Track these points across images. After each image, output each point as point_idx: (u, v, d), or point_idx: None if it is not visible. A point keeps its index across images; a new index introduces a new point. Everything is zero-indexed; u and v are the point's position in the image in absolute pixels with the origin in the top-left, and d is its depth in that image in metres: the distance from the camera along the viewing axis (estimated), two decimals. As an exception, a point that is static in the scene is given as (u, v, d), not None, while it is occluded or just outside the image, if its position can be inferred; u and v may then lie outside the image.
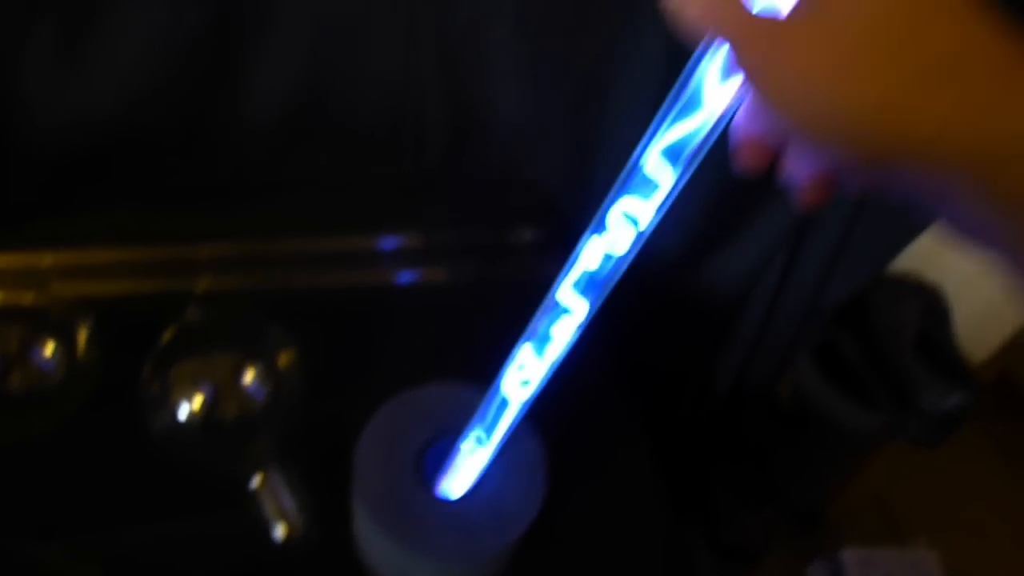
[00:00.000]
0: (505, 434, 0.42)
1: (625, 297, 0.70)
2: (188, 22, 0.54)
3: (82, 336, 0.54)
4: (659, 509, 0.60)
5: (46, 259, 0.63)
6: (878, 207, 0.63)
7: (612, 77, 0.62)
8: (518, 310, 0.67)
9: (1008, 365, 1.02)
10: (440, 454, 0.46)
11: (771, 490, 0.99)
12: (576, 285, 0.37)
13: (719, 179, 0.61)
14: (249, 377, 0.52)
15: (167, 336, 0.53)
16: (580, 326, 0.39)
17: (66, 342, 0.53)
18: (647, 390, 0.69)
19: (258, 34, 0.56)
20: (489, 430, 0.42)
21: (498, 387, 0.41)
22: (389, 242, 0.68)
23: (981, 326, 0.89)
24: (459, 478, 0.45)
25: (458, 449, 0.44)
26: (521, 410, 0.41)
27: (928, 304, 0.84)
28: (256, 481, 0.51)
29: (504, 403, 0.41)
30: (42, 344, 0.52)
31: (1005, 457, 1.25)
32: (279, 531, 0.50)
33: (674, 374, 0.76)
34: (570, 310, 0.37)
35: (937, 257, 0.87)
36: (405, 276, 0.68)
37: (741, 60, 0.26)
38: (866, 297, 0.84)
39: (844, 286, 0.69)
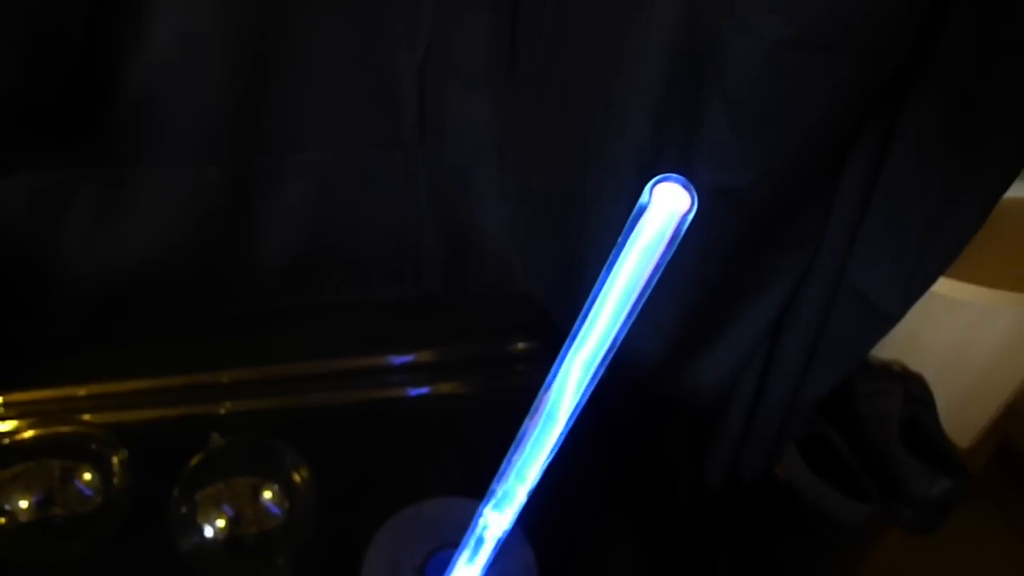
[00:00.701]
0: (490, 556, 0.47)
1: (609, 401, 0.75)
2: (208, 178, 0.61)
3: (117, 464, 0.59)
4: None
5: (81, 391, 0.69)
6: (847, 308, 0.68)
7: (589, 203, 0.69)
8: (517, 415, 0.72)
9: (1008, 436, 1.04)
10: (441, 565, 0.51)
11: (778, 578, 1.00)
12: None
13: (693, 286, 0.67)
14: (267, 497, 0.57)
15: (193, 462, 0.58)
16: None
17: (103, 470, 0.58)
18: (639, 491, 0.73)
19: (270, 186, 0.63)
20: (474, 553, 0.47)
21: (475, 524, 0.46)
22: (395, 359, 0.74)
23: (964, 412, 0.93)
24: (457, 587, 0.49)
25: (453, 564, 0.48)
26: (497, 543, 0.47)
27: (911, 392, 0.88)
28: (275, 595, 0.56)
29: (480, 540, 0.46)
30: (81, 473, 0.58)
31: (1017, 533, 1.25)
32: (296, 642, 0.55)
33: (666, 472, 0.80)
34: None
35: (917, 347, 0.92)
36: (411, 391, 0.73)
37: None
38: (850, 387, 0.88)
39: (823, 381, 0.73)
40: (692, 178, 0.35)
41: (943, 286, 0.72)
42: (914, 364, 0.92)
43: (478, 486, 0.50)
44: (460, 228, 0.71)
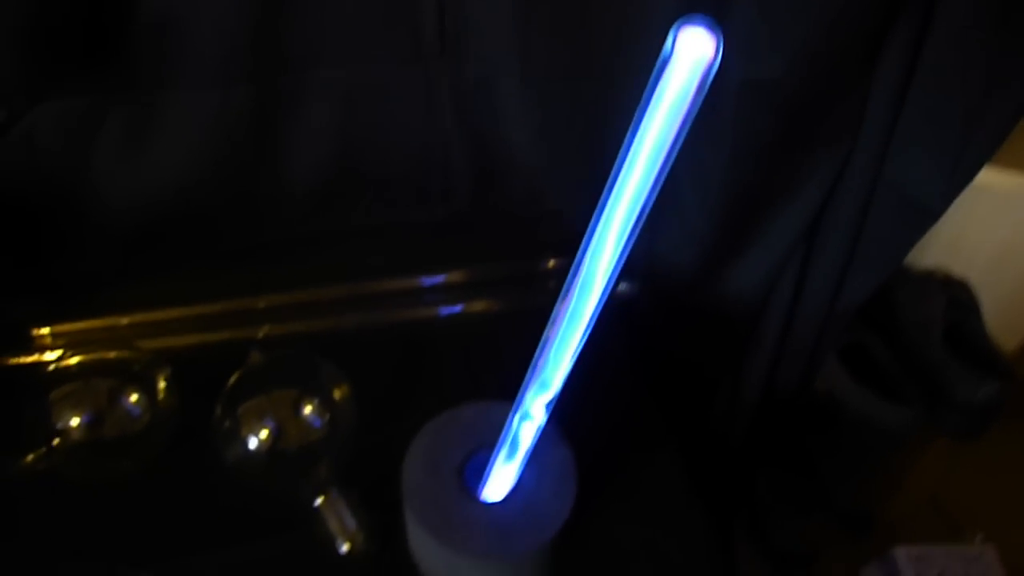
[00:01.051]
0: (530, 447, 0.47)
1: (646, 310, 0.74)
2: (233, 100, 0.61)
3: (161, 384, 0.61)
4: (694, 514, 0.64)
5: (123, 320, 0.71)
6: (885, 207, 0.66)
7: (614, 114, 0.67)
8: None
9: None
10: (479, 465, 0.51)
11: (819, 495, 1.00)
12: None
13: (725, 188, 0.66)
14: (308, 410, 0.58)
15: (233, 379, 0.59)
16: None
17: (148, 391, 0.60)
18: (677, 401, 0.73)
19: (294, 107, 0.63)
20: (512, 451, 0.47)
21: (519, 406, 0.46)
22: (426, 280, 0.75)
23: (1011, 314, 0.90)
24: (496, 485, 0.50)
25: (493, 461, 0.49)
26: (535, 438, 0.47)
27: (955, 298, 0.86)
28: (319, 503, 0.57)
29: (516, 438, 0.46)
30: (128, 392, 0.59)
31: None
32: (343, 546, 0.56)
33: (703, 384, 0.80)
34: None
35: (961, 250, 0.89)
36: (443, 310, 0.73)
37: None
38: (891, 295, 0.87)
39: (861, 287, 0.72)
40: (721, 73, 0.33)
41: (987, 176, 0.70)
42: (958, 269, 0.89)
43: (512, 397, 0.51)
44: (486, 144, 0.70)
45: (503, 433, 0.48)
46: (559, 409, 0.53)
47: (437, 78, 0.65)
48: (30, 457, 0.59)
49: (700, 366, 0.79)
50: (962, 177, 0.62)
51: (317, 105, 0.63)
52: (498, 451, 0.49)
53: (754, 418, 0.80)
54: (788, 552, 1.02)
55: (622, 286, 0.73)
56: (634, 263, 0.76)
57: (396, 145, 0.68)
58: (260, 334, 0.70)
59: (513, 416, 0.46)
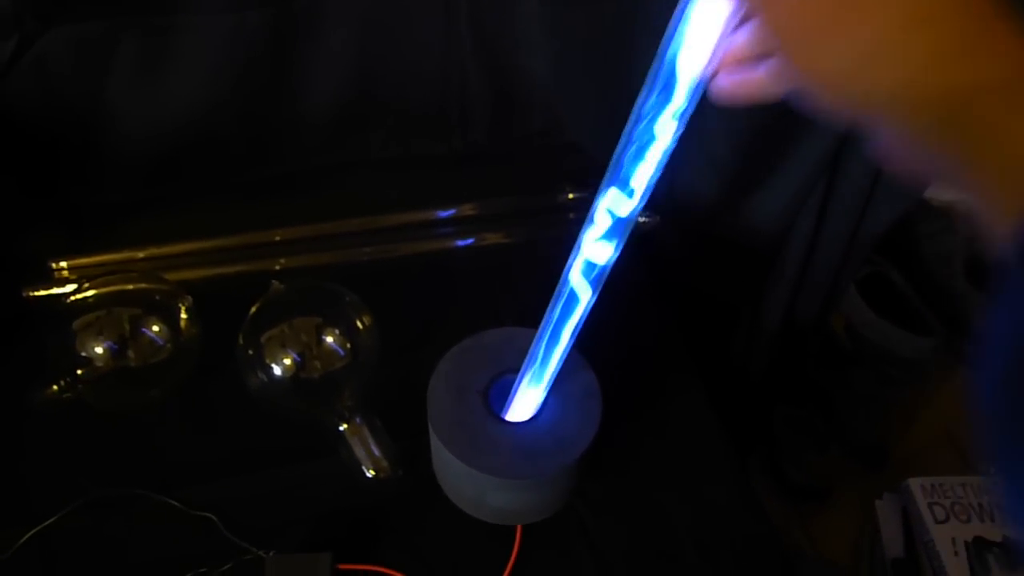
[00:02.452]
0: (561, 357, 0.47)
1: (668, 242, 0.74)
2: (248, 24, 0.60)
3: (183, 314, 0.61)
4: (717, 442, 0.64)
5: (140, 254, 0.70)
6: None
7: (634, 38, 0.66)
8: (564, 261, 0.72)
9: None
10: (503, 388, 0.51)
11: (834, 429, 1.01)
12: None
13: (750, 118, 0.64)
14: (330, 338, 0.58)
15: (255, 308, 0.59)
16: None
17: (170, 320, 0.60)
18: (698, 332, 0.73)
19: (310, 31, 0.62)
20: (551, 346, 0.47)
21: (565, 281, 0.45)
22: (444, 213, 0.74)
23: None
24: (523, 404, 0.50)
25: (522, 377, 0.49)
26: (581, 319, 0.46)
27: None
28: (344, 429, 0.58)
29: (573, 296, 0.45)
30: (150, 323, 0.59)
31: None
32: (368, 471, 0.57)
33: (723, 315, 0.80)
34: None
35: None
36: (460, 242, 0.73)
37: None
38: (913, 227, 0.85)
39: (884, 215, 0.71)
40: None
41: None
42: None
43: (531, 326, 0.51)
44: (504, 70, 0.69)
45: (534, 342, 0.47)
46: (583, 336, 0.53)
47: (455, 2, 0.63)
48: (55, 387, 0.59)
49: (721, 297, 0.79)
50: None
51: (334, 28, 0.62)
52: (529, 365, 0.48)
53: (774, 349, 0.79)
54: (803, 486, 1.03)
55: (643, 218, 0.72)
56: (656, 195, 0.75)
57: (413, 71, 0.67)
58: (277, 266, 0.69)
59: (571, 265, 0.44)
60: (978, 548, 0.88)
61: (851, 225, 0.71)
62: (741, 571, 0.57)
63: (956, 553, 0.87)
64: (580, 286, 0.44)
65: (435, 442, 0.51)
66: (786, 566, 0.58)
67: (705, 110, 0.66)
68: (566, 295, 0.44)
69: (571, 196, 0.75)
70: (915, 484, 0.94)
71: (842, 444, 1.02)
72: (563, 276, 0.44)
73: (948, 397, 1.08)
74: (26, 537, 0.55)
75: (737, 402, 0.85)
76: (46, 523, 0.55)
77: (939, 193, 0.90)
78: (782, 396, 0.97)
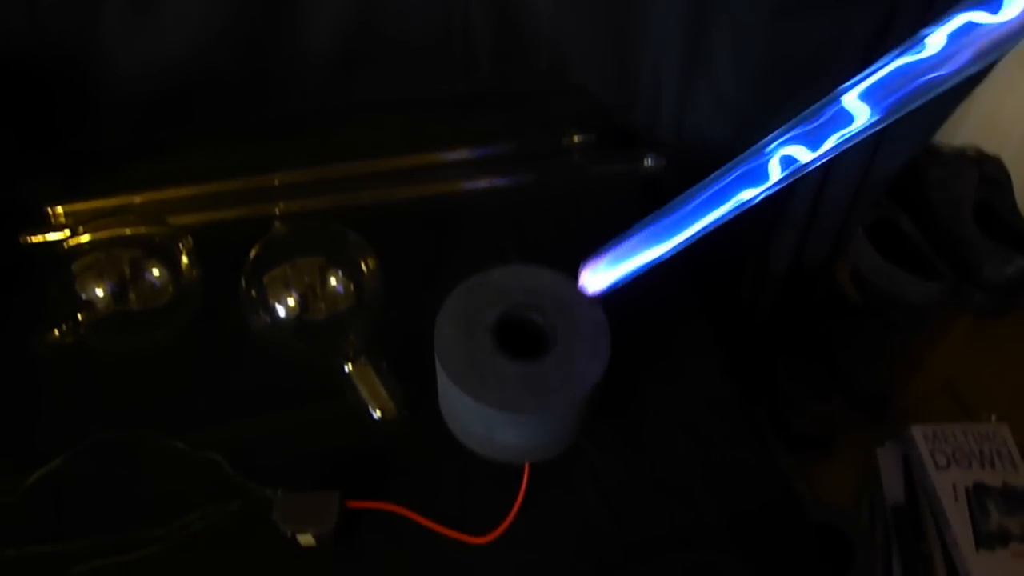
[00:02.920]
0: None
1: (675, 186, 0.72)
2: None
3: (184, 256, 0.60)
4: (725, 387, 0.64)
5: (137, 199, 0.69)
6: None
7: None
8: (574, 206, 0.71)
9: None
10: (511, 325, 0.51)
11: (837, 378, 1.01)
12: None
13: (759, 50, 0.63)
14: (334, 279, 0.57)
15: (256, 249, 0.58)
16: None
17: (171, 262, 0.59)
18: (705, 278, 0.72)
19: (310, -37, 0.60)
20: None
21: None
22: (448, 156, 0.73)
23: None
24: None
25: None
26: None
27: (986, 174, 0.84)
28: (349, 370, 0.57)
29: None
30: (150, 264, 0.58)
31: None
32: (375, 412, 0.56)
33: (730, 260, 0.79)
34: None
35: (994, 128, 0.87)
36: (465, 186, 0.72)
37: None
38: (922, 173, 0.84)
39: (893, 158, 0.70)
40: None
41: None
42: (990, 147, 0.87)
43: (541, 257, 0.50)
44: (509, 7, 0.67)
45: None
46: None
47: None
48: (56, 332, 0.58)
49: (728, 242, 0.78)
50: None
51: None
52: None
53: (780, 295, 0.79)
54: (805, 435, 1.03)
55: (649, 160, 0.71)
56: (662, 136, 0.74)
57: (416, 6, 0.65)
58: (278, 210, 0.68)
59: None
60: (978, 494, 0.88)
61: (861, 169, 0.70)
62: (748, 508, 0.57)
63: (956, 499, 0.88)
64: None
65: (443, 379, 0.51)
66: (793, 503, 0.58)
67: (715, 47, 0.65)
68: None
69: (576, 139, 0.74)
70: (917, 431, 0.94)
71: (845, 394, 1.01)
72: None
73: (950, 346, 1.08)
74: (31, 480, 0.55)
75: (742, 350, 0.85)
76: (51, 465, 0.55)
77: (949, 138, 0.89)
78: (786, 346, 0.97)
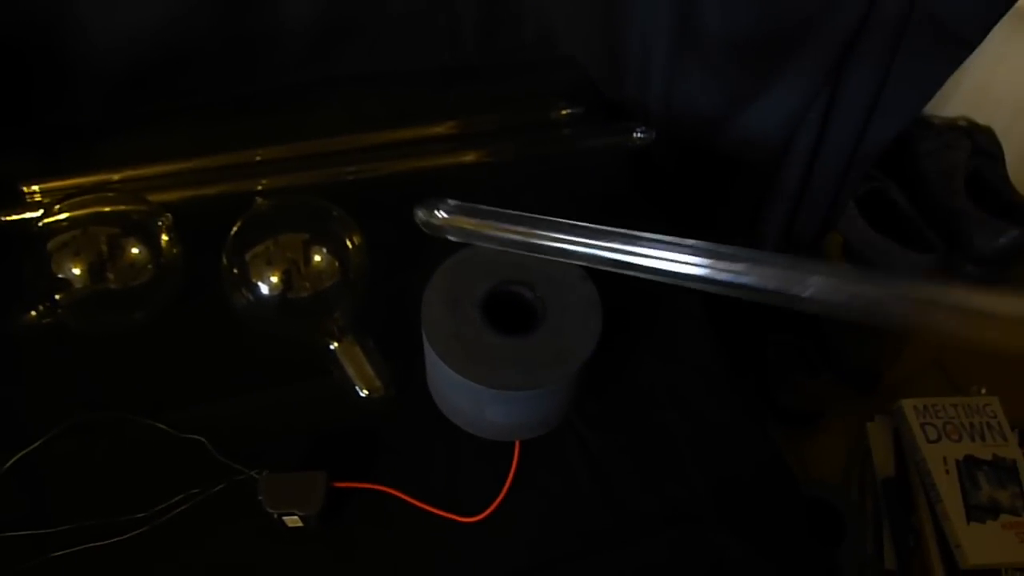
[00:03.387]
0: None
1: (663, 158, 0.71)
2: None
3: (163, 233, 0.58)
4: (717, 361, 0.63)
5: (115, 176, 0.67)
6: (910, 49, 0.63)
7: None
8: (564, 179, 0.70)
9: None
10: (499, 300, 0.50)
11: (827, 353, 1.00)
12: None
13: (751, 15, 0.61)
14: (318, 255, 0.56)
15: (239, 225, 0.57)
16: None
17: (149, 239, 0.58)
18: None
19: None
20: None
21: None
22: (433, 130, 0.71)
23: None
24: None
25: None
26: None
27: (978, 145, 0.84)
28: (336, 349, 0.56)
29: None
30: (128, 242, 0.57)
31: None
32: (362, 391, 0.55)
33: (720, 231, 0.78)
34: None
35: (986, 99, 0.86)
36: (452, 160, 0.70)
37: None
38: (914, 144, 0.84)
39: (888, 125, 0.69)
40: None
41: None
42: (982, 118, 0.86)
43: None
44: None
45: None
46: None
47: None
48: (33, 312, 0.57)
49: (718, 216, 0.77)
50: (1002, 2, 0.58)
51: None
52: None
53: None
54: (795, 411, 1.03)
55: (638, 133, 0.69)
56: (652, 108, 0.73)
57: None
58: (259, 187, 0.67)
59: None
60: (968, 466, 0.88)
61: (852, 140, 0.69)
62: (742, 485, 0.56)
63: (947, 471, 0.88)
64: None
65: (431, 356, 0.50)
66: (785, 477, 0.58)
67: (706, 17, 0.63)
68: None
69: (564, 112, 0.73)
70: (908, 405, 0.94)
71: (835, 369, 1.01)
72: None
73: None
74: (10, 462, 0.53)
75: (731, 325, 0.84)
76: (31, 447, 0.54)
77: (940, 109, 0.88)
78: (775, 321, 0.96)
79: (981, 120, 0.87)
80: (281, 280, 0.55)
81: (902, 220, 0.81)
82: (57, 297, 0.56)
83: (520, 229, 0.49)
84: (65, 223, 0.57)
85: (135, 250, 0.57)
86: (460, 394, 0.50)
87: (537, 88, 0.74)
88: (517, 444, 0.54)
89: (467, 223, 0.50)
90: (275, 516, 0.50)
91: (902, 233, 0.81)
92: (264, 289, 0.55)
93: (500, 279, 0.51)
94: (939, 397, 0.95)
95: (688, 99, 0.68)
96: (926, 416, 0.93)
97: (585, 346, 0.49)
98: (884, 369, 1.08)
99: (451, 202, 0.51)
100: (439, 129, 0.71)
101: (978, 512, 0.81)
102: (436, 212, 0.51)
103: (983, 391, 0.98)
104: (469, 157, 0.69)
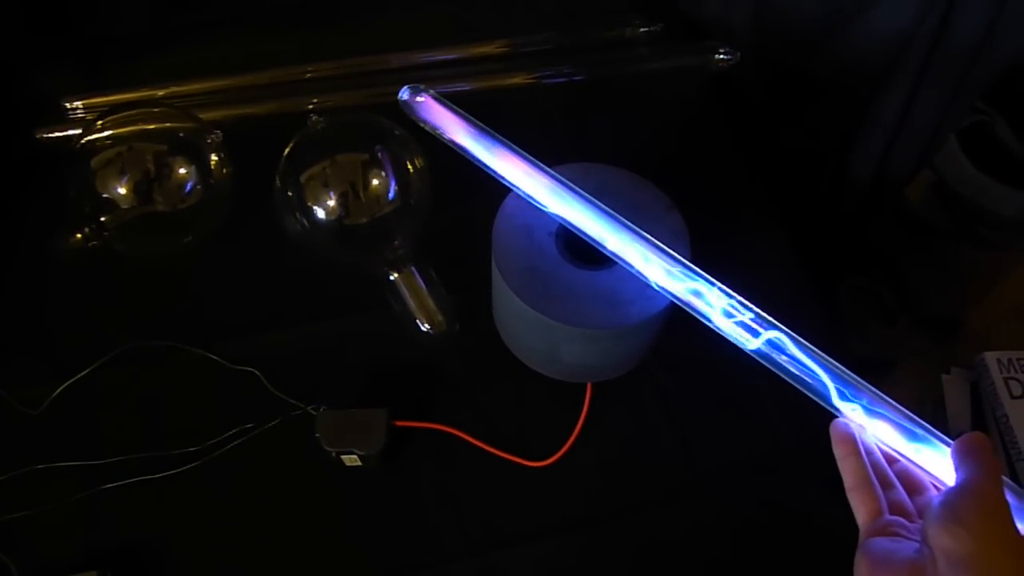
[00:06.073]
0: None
1: (751, 82, 0.65)
2: None
3: (213, 153, 0.54)
4: (804, 297, 0.58)
5: (160, 92, 0.63)
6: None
7: None
8: (639, 98, 0.64)
9: None
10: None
11: (905, 299, 0.95)
12: None
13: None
14: (377, 179, 0.52)
15: (292, 144, 0.53)
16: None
17: (199, 160, 0.54)
18: (780, 183, 0.66)
19: None
20: None
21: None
22: (504, 48, 0.65)
23: None
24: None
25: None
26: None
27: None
28: (395, 279, 0.52)
29: None
30: (176, 160, 0.53)
31: None
32: (423, 325, 0.51)
33: (808, 164, 0.72)
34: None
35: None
36: (524, 79, 0.64)
37: None
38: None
39: (1004, 52, 0.61)
40: None
41: None
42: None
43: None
44: None
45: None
46: (664, 184, 0.47)
47: None
48: (79, 235, 0.54)
49: (807, 147, 0.71)
50: None
51: None
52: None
53: (858, 204, 0.72)
54: (866, 359, 0.98)
55: (721, 54, 0.63)
56: (738, 25, 0.66)
57: None
58: (310, 106, 0.62)
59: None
60: (1053, 425, 0.83)
61: (965, 63, 0.62)
62: (827, 437, 0.52)
63: (1031, 429, 0.82)
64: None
65: (501, 290, 0.45)
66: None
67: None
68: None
69: (640, 30, 0.66)
70: (991, 358, 0.88)
71: (914, 315, 0.95)
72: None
73: (1020, 274, 1.01)
74: (57, 392, 0.51)
75: (811, 264, 0.79)
76: (77, 377, 0.52)
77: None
78: (852, 264, 0.90)
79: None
80: (338, 204, 0.51)
81: (1005, 157, 0.74)
82: (103, 219, 0.53)
83: (481, 150, 0.45)
84: (109, 140, 0.54)
85: (183, 170, 0.53)
86: (532, 332, 0.46)
87: (611, 3, 0.68)
88: (589, 387, 0.50)
89: (443, 118, 0.46)
90: (333, 455, 0.47)
91: (1004, 171, 0.73)
92: (320, 213, 0.51)
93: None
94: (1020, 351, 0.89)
95: (779, 15, 0.61)
96: (1010, 370, 0.87)
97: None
98: (963, 318, 1.02)
99: (433, 91, 0.46)
100: (510, 47, 0.65)
101: (1063, 473, 0.76)
102: (418, 97, 0.47)
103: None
104: (542, 77, 0.64)
